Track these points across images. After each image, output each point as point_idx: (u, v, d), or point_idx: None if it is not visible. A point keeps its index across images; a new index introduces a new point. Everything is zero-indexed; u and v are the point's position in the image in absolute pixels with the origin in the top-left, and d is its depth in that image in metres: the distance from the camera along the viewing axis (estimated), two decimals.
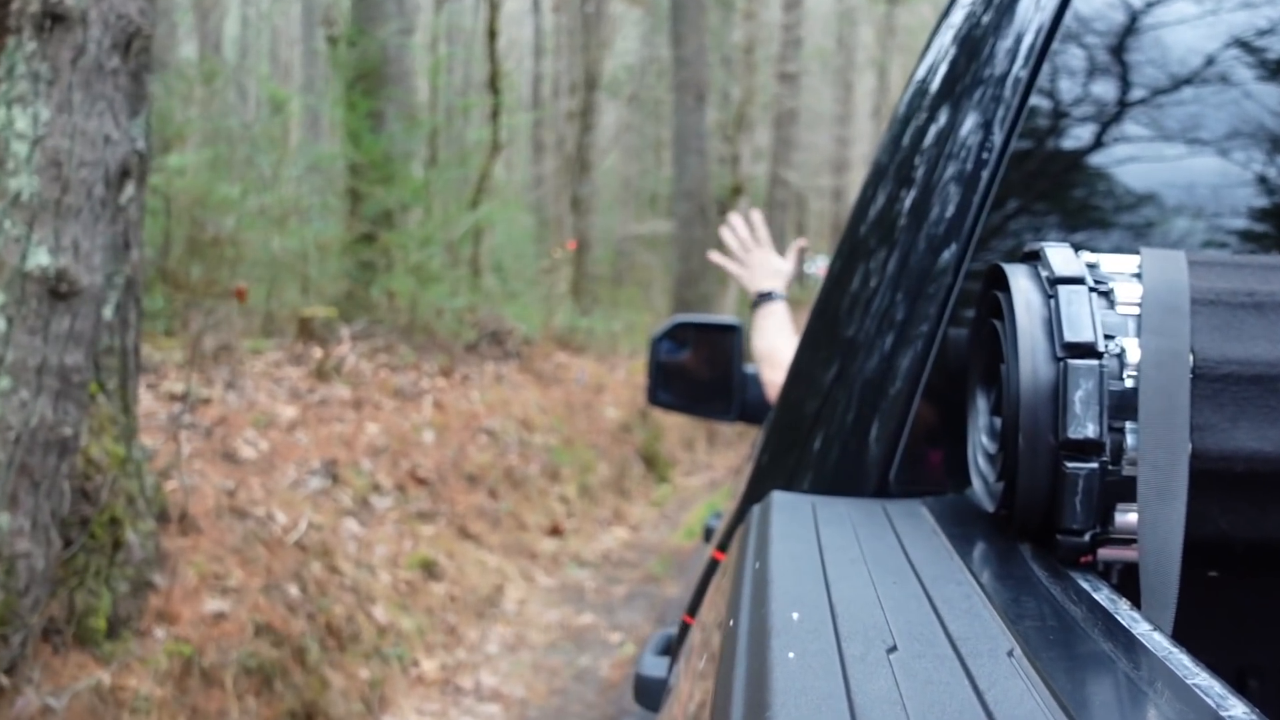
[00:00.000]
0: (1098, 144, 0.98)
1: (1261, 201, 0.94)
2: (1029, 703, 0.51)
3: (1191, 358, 0.70)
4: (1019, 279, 0.75)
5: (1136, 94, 0.98)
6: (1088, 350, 0.70)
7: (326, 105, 9.88)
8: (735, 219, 2.36)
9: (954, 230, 0.95)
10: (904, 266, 0.98)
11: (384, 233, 8.44)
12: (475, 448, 7.06)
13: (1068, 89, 0.98)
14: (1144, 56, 0.98)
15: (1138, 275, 0.74)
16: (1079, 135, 0.98)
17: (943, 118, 1.01)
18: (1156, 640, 0.59)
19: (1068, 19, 0.98)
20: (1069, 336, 0.70)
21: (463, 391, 7.77)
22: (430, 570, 5.61)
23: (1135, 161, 0.96)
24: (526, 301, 10.88)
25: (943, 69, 1.06)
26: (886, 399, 0.96)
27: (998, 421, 0.79)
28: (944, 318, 0.95)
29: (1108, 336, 0.71)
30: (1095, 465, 0.69)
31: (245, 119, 9.82)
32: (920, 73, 1.10)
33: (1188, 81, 0.97)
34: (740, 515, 1.09)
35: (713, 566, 1.25)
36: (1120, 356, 0.71)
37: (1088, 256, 0.75)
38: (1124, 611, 0.63)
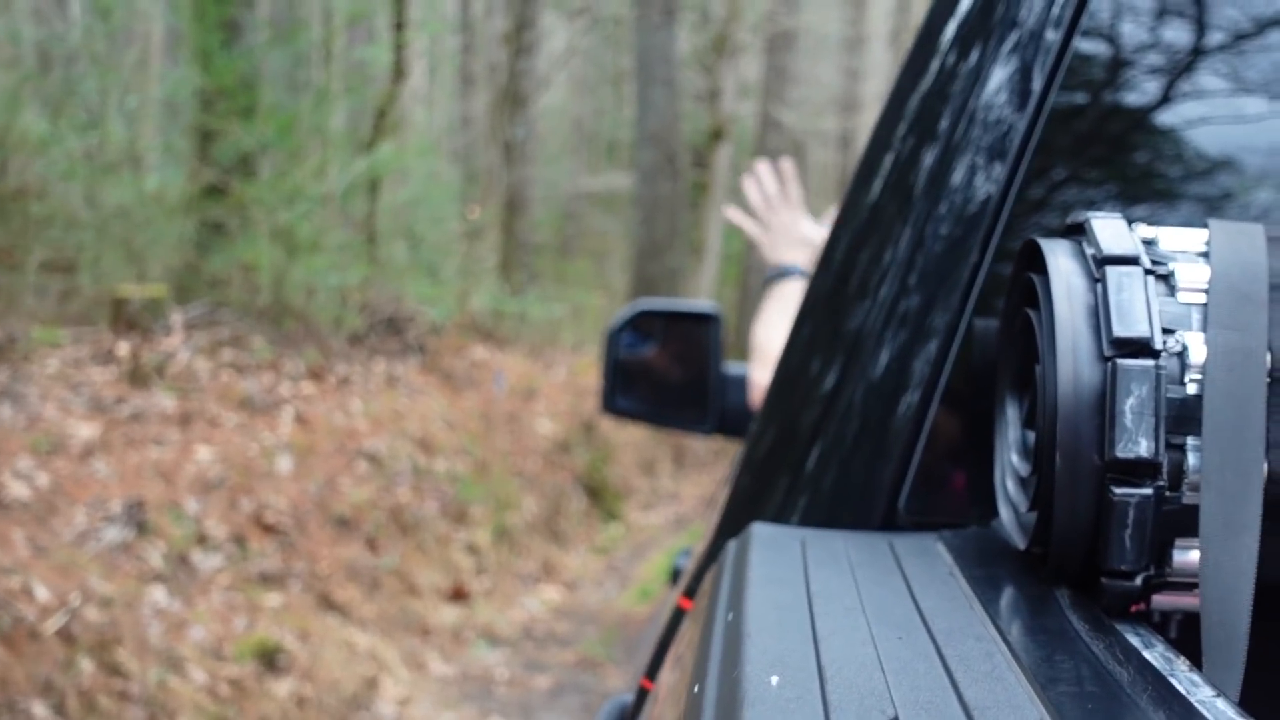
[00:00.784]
0: (1162, 98, 1.00)
1: None
2: None
3: (1269, 358, 0.72)
4: (1058, 258, 0.77)
5: (1212, 38, 1.00)
6: (1142, 348, 0.71)
7: (177, 15, 9.15)
8: (762, 168, 2.37)
9: (981, 199, 0.98)
10: (919, 242, 1.00)
11: (238, 184, 7.74)
12: (351, 479, 6.65)
13: (1126, 30, 1.00)
14: None
15: (1205, 254, 0.75)
16: (1138, 86, 1.01)
17: (969, 58, 1.04)
18: (1220, 709, 0.61)
19: None
20: (1119, 331, 0.72)
21: (339, 400, 7.38)
22: (271, 660, 5.03)
23: (1208, 121, 0.99)
24: (445, 278, 10.63)
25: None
26: (896, 408, 0.98)
27: (1031, 436, 0.82)
28: (968, 307, 0.97)
29: (1167, 331, 0.73)
30: (1149, 491, 0.71)
31: (61, 30, 9.10)
32: (940, 2, 1.14)
33: (1276, 24, 0.98)
34: (712, 553, 1.12)
35: (678, 617, 1.28)
36: (1182, 356, 0.72)
37: (1144, 231, 0.77)
38: (1181, 673, 0.65)
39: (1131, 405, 0.70)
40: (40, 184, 7.85)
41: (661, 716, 0.91)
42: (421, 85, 22.47)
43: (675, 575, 2.16)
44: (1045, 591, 0.77)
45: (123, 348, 6.68)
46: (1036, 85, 0.97)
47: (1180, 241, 0.77)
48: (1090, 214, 0.78)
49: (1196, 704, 0.60)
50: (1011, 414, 0.86)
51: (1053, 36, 0.98)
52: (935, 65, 1.08)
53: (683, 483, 10.47)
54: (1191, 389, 0.72)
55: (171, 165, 8.87)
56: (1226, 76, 0.98)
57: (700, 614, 0.92)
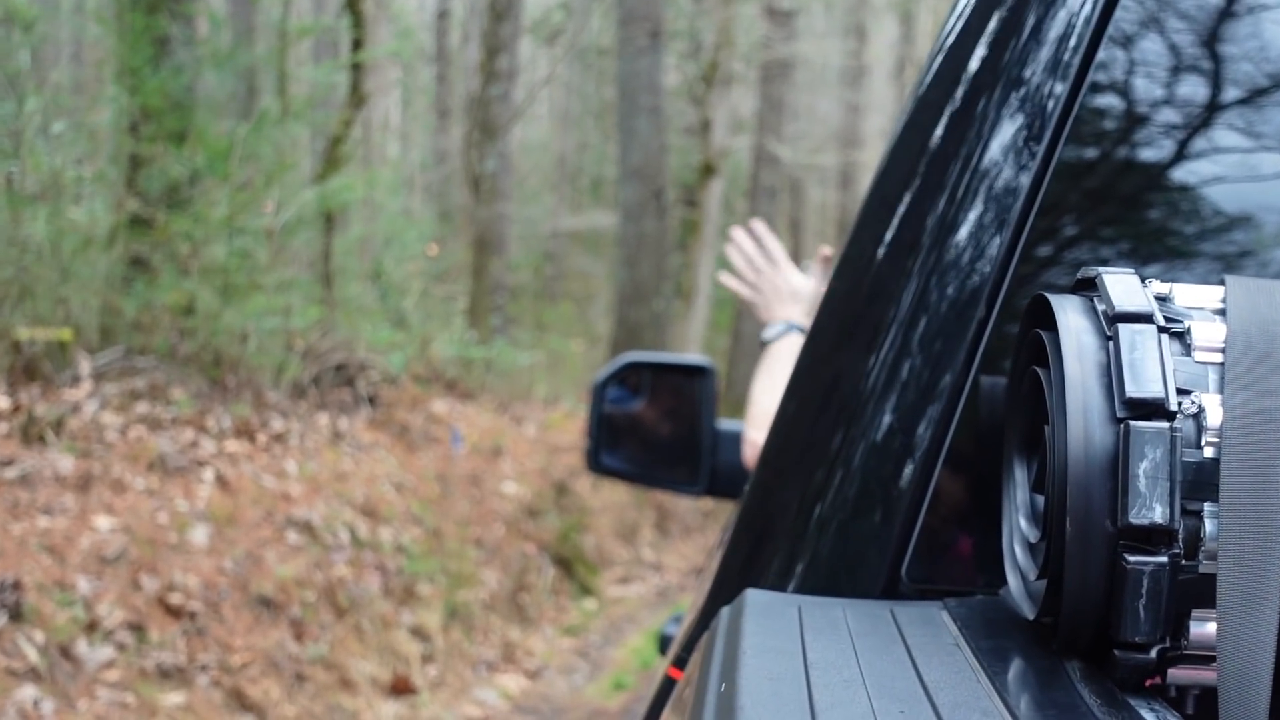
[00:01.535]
0: (1176, 153, 1.02)
1: None
2: None
3: None
4: (1068, 314, 0.79)
5: (1229, 92, 1.02)
6: (1156, 409, 0.73)
7: (104, 28, 8.70)
8: (738, 233, 2.47)
9: (989, 253, 1.00)
10: (923, 297, 1.03)
11: (163, 216, 7.23)
12: (278, 552, 6.12)
13: (1138, 84, 1.03)
14: (1238, 47, 1.03)
15: (1221, 312, 0.77)
16: (1150, 141, 1.03)
17: (976, 107, 1.06)
18: None
19: None
20: (1132, 391, 0.73)
21: (271, 460, 6.88)
22: None
23: (1223, 178, 1.01)
24: (410, 322, 10.36)
25: (974, 43, 1.11)
26: (898, 470, 1.00)
27: (1040, 501, 0.83)
28: (974, 365, 0.99)
29: (1182, 391, 0.74)
30: (1164, 560, 0.72)
31: None
32: (945, 45, 1.15)
33: None
34: (704, 620, 1.14)
35: (667, 688, 1.30)
36: (1198, 418, 0.73)
37: (1157, 287, 0.79)
38: None
39: (1145, 469, 0.71)
40: None
41: None
42: (395, 119, 22.27)
43: (664, 644, 2.18)
44: (1055, 663, 0.79)
45: (20, 399, 6.09)
46: (1045, 138, 1.00)
47: (1196, 298, 0.78)
48: (1101, 269, 0.80)
49: None
50: (1019, 477, 0.87)
51: (1061, 88, 1.01)
52: (939, 112, 1.09)
53: (666, 552, 10.11)
54: (1208, 453, 0.72)
55: (96, 196, 8.40)
56: (1242, 132, 1.00)
57: (691, 685, 0.95)
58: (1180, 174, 1.01)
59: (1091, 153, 1.01)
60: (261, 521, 6.21)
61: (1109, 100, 1.02)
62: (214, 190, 7.53)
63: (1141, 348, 0.73)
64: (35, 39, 8.59)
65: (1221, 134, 1.00)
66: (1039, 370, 0.81)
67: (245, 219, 7.68)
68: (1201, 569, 0.71)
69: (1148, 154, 1.02)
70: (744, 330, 16.00)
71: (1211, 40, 1.02)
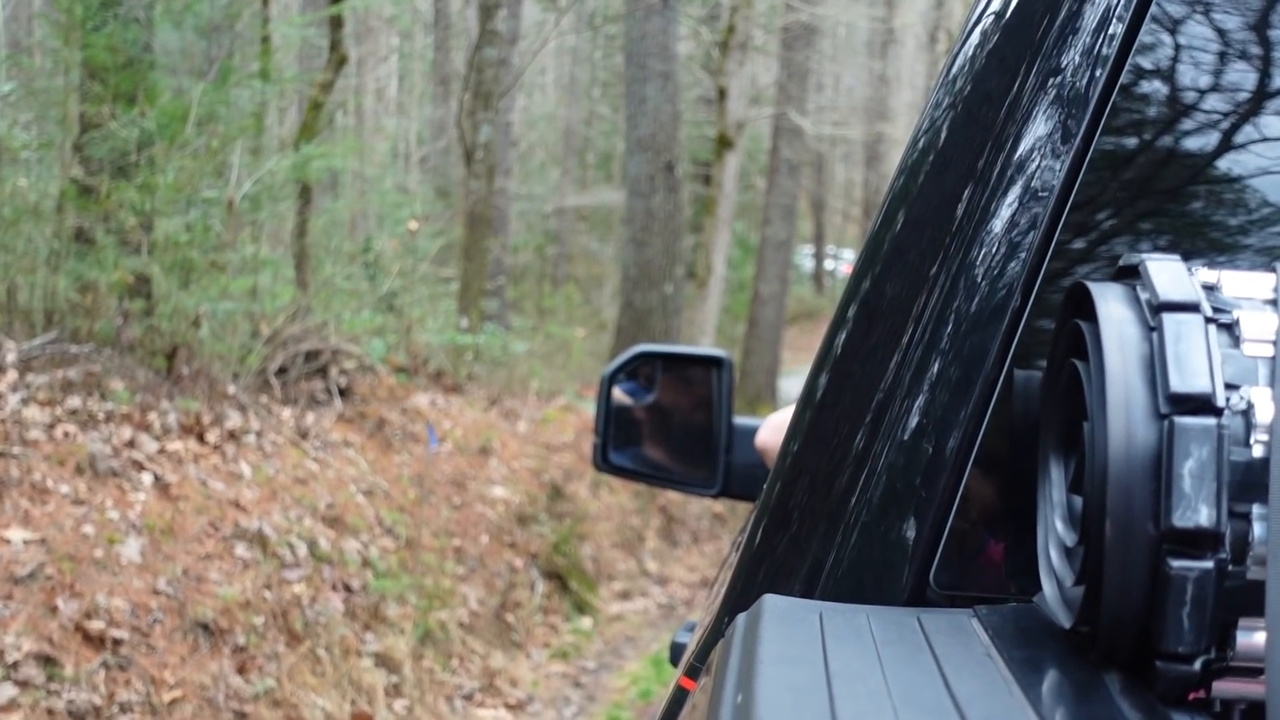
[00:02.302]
0: (1223, 142, 1.02)
1: None
2: None
3: None
4: (1109, 303, 0.79)
5: (1274, 80, 1.03)
6: (1203, 405, 0.73)
7: None
8: None
9: (1024, 241, 1.02)
10: (953, 286, 1.04)
11: (108, 185, 6.82)
12: (223, 569, 5.69)
13: (1182, 69, 1.04)
14: None
15: (1273, 301, 0.78)
16: (1193, 129, 1.03)
17: (1010, 89, 1.08)
18: None
19: None
20: (1177, 385, 0.73)
21: (222, 461, 6.44)
22: None
23: (1272, 170, 1.01)
24: (406, 306, 10.05)
25: (1008, 24, 1.13)
26: (927, 469, 1.01)
27: (1078, 502, 0.84)
28: (1007, 358, 1.00)
29: (1230, 386, 0.74)
30: (1210, 565, 0.72)
31: None
32: (977, 25, 1.18)
33: None
34: (719, 628, 1.17)
35: (680, 699, 1.32)
36: (1247, 414, 0.74)
37: (1204, 274, 0.80)
38: None
39: (1190, 468, 0.72)
40: None
41: None
42: (392, 90, 21.97)
43: (676, 653, 2.20)
44: (1093, 675, 0.79)
45: None
46: (1082, 125, 1.01)
47: (1245, 287, 0.79)
48: (1145, 255, 0.81)
49: None
50: (1056, 477, 0.88)
51: (1100, 72, 1.02)
52: (970, 95, 1.12)
53: (672, 563, 9.85)
54: (1257, 451, 0.73)
55: (49, 162, 8.07)
56: None
57: (705, 696, 0.96)
58: (1226, 164, 1.02)
59: (1131, 141, 1.03)
60: (205, 533, 5.78)
61: (1150, 86, 1.03)
62: (165, 156, 7.06)
63: (1187, 339, 0.74)
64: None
65: (1271, 121, 1.01)
66: (1078, 363, 0.82)
67: (198, 188, 7.28)
68: (1249, 575, 0.72)
69: (1191, 143, 1.03)
70: (761, 317, 15.71)
71: (1260, 22, 1.03)
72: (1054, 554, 0.85)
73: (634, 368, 2.31)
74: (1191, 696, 0.74)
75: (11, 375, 5.99)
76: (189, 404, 6.58)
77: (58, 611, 4.81)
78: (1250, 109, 1.01)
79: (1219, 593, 0.71)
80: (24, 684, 4.48)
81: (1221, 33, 1.02)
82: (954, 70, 1.15)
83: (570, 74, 19.94)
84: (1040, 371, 0.96)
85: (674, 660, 2.13)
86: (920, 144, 1.15)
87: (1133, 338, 0.75)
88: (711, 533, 10.68)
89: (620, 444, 2.30)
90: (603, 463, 2.30)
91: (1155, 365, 0.74)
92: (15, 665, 4.52)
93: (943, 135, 1.12)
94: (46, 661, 4.63)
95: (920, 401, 1.02)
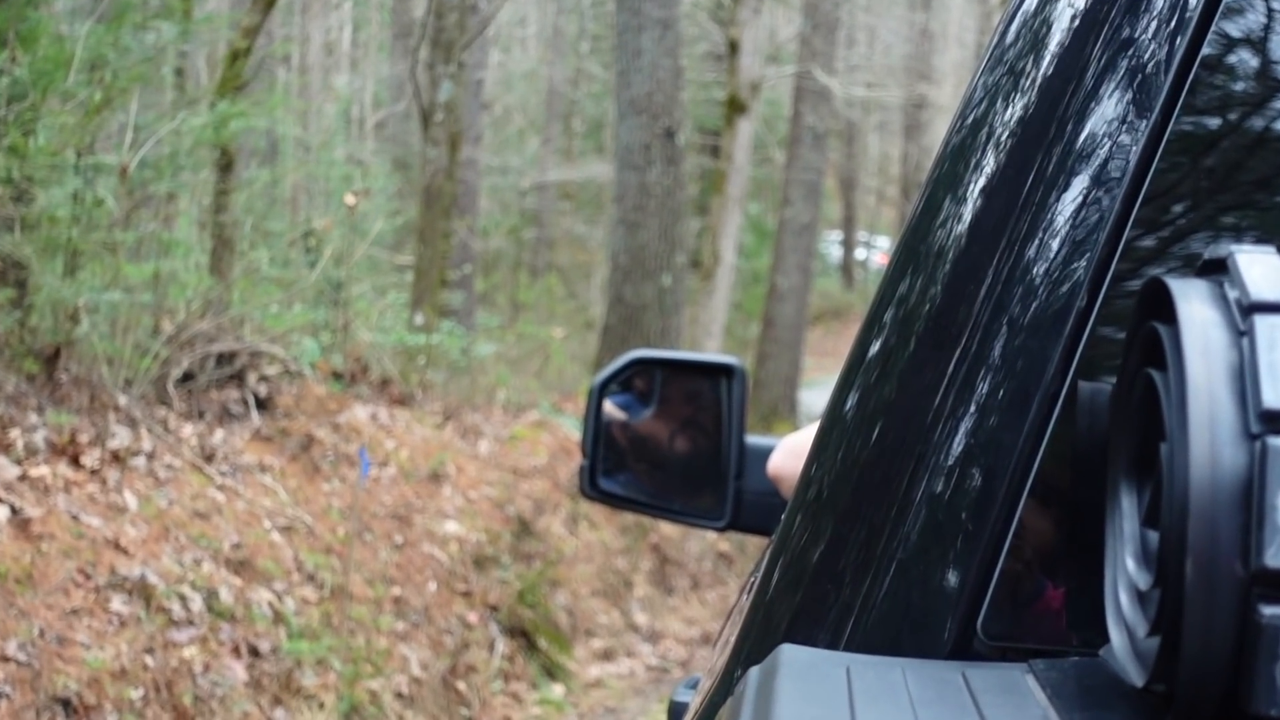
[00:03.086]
0: None
1: None
2: None
3: None
4: (1192, 303, 0.81)
5: None
6: None
7: None
8: None
9: (1090, 235, 1.04)
10: (1009, 283, 1.06)
11: None
12: (94, 627, 5.60)
13: (1275, 39, 1.06)
14: None
15: None
16: None
17: (1074, 62, 1.10)
18: None
19: None
20: (1271, 400, 0.74)
21: (101, 490, 6.36)
22: None
23: None
24: (367, 301, 10.39)
25: None
26: (974, 499, 1.03)
27: (1154, 538, 0.85)
28: (1070, 368, 1.02)
29: None
30: None
31: None
32: None
33: None
34: (727, 684, 1.18)
35: None
36: None
37: None
38: None
39: None
40: None
41: None
42: (345, 42, 21.97)
43: (677, 714, 2.20)
44: None
45: None
46: (1158, 103, 1.03)
47: None
48: (1235, 247, 0.82)
49: None
50: (1127, 508, 0.90)
51: (1179, 41, 1.03)
52: (1026, 69, 1.15)
53: (666, 614, 9.95)
54: None
55: None
56: None
57: None
58: None
59: (1214, 122, 1.04)
60: (73, 582, 5.69)
61: (1238, 57, 1.04)
62: (38, 112, 6.94)
63: None
64: None
65: None
66: (1154, 374, 0.84)
67: (83, 152, 7.19)
68: None
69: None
70: (778, 316, 15.66)
71: None
72: (1124, 599, 0.88)
73: (629, 377, 2.38)
74: None
75: None
76: (63, 418, 6.50)
77: None
78: None
79: None
80: None
81: None
82: (1009, 33, 1.18)
83: (554, 24, 20.47)
84: (1109, 385, 0.97)
85: None
86: (969, 119, 1.17)
87: (1219, 343, 0.77)
88: (715, 576, 10.79)
89: (612, 467, 2.37)
90: (591, 489, 2.36)
91: (1245, 376, 0.75)
92: None
93: (995, 110, 1.15)
94: None
95: (968, 421, 1.03)
